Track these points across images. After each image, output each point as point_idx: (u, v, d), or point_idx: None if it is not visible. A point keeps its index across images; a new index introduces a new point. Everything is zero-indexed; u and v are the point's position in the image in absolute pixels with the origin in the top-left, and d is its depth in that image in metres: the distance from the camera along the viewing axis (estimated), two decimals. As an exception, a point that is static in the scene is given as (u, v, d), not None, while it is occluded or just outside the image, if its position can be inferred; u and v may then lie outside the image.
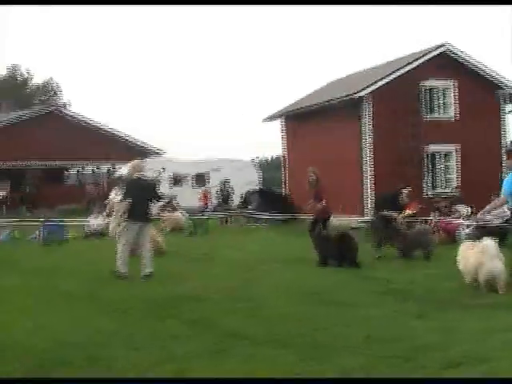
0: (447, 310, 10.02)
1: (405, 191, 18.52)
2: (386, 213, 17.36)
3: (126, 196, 14.61)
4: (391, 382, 7.17)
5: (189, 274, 14.12)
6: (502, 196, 12.24)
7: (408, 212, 20.66)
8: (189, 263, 16.21)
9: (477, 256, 11.66)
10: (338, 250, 15.34)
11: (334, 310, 10.07)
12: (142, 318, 9.74)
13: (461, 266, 12.13)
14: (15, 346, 8.18)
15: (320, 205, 16.46)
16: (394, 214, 17.48)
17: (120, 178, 18.91)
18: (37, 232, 24.34)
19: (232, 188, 33.12)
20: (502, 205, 12.84)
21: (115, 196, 17.95)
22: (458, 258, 12.32)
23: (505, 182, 12.20)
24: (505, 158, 13.63)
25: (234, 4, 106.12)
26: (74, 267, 16.05)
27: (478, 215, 13.90)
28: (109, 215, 18.87)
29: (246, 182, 36.71)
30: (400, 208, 17.80)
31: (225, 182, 32.82)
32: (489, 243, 11.60)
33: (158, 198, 15.46)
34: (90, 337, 8.57)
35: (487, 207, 12.97)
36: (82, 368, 7.27)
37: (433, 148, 27.04)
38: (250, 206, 31.06)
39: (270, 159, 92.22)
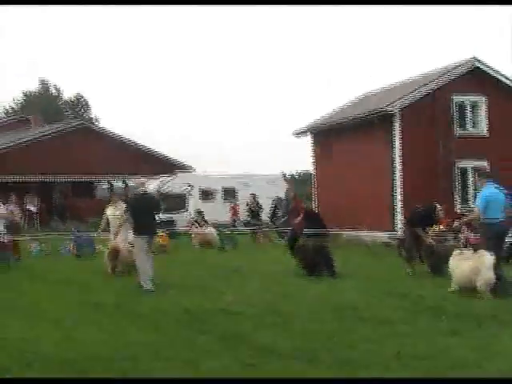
0: (482, 326, 9.91)
1: (440, 207, 18.49)
2: (417, 229, 17.28)
3: (132, 212, 15.13)
4: (391, 381, 7.13)
5: (220, 288, 14.11)
6: (476, 211, 13.90)
7: (440, 227, 20.62)
8: (219, 277, 16.20)
9: (473, 266, 13.15)
10: (317, 261, 16.52)
11: (366, 326, 10.01)
12: (173, 332, 9.76)
13: (455, 274, 13.55)
14: (46, 357, 8.23)
15: (297, 220, 17.74)
16: (425, 230, 17.50)
17: (114, 192, 19.25)
18: (67, 245, 24.55)
19: (259, 203, 33.04)
20: (476, 218, 14.20)
21: (114, 211, 17.99)
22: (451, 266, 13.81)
23: (477, 200, 13.97)
24: (476, 177, 15.11)
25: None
26: (105, 280, 16.15)
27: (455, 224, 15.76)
28: (104, 230, 18.93)
29: (275, 197, 36.71)
30: (434, 224, 17.74)
31: (254, 197, 32.76)
32: (486, 255, 13.05)
33: (159, 211, 16.27)
34: (120, 349, 8.59)
35: (464, 219, 15.27)
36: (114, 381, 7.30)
37: (463, 163, 26.83)
38: (278, 216, 31.00)
39: (298, 174, 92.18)
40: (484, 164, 26.52)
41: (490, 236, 13.84)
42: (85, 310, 11.90)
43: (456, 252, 14.29)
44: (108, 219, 18.14)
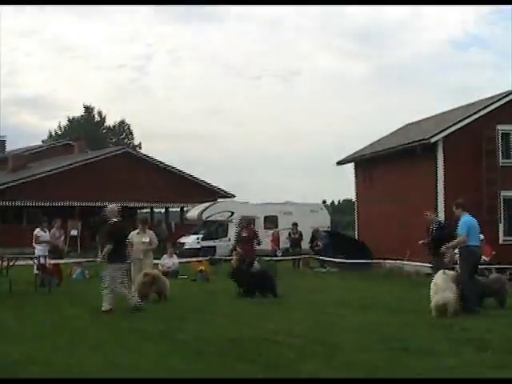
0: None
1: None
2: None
3: (111, 239, 15.21)
4: (391, 381, 7.02)
5: (263, 317, 14.03)
6: (461, 237, 15.19)
7: (484, 258, 20.40)
8: (261, 306, 16.15)
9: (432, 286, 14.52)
10: (260, 284, 18.17)
11: (409, 359, 9.85)
12: (216, 360, 9.68)
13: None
14: (87, 382, 8.21)
15: (248, 247, 19.44)
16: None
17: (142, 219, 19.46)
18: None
19: (300, 232, 32.93)
20: (463, 243, 15.18)
21: (140, 238, 18.03)
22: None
23: (460, 227, 15.35)
24: (454, 209, 15.78)
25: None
26: (148, 306, 16.17)
27: (443, 248, 15.98)
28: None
29: (316, 225, 36.65)
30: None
31: (295, 225, 32.73)
32: (438, 275, 14.53)
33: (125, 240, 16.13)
34: (163, 376, 8.55)
35: (452, 243, 15.74)
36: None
37: (508, 193, 26.55)
38: (318, 246, 30.92)
39: (337, 202, 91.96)
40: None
41: (472, 259, 15.39)
42: (127, 336, 11.90)
43: (440, 272, 14.88)
44: (133, 246, 17.97)
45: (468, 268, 15.26)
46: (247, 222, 20.46)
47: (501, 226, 26.41)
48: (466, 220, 15.51)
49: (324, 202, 56.06)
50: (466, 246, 15.26)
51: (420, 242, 17.15)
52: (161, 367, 9.10)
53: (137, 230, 18.21)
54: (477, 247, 15.64)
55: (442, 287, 14.31)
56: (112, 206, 15.83)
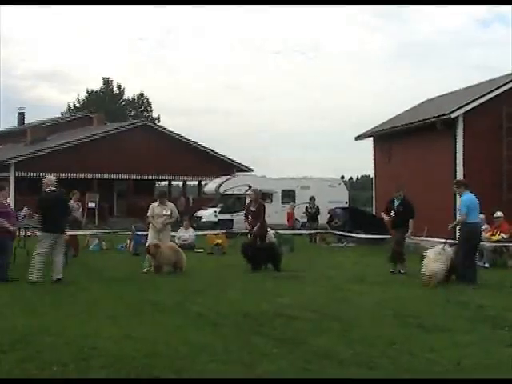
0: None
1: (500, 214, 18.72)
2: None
3: (39, 209, 15.62)
4: (391, 381, 6.99)
5: (278, 291, 14.01)
6: (462, 215, 16.21)
7: (502, 235, 20.33)
8: (277, 280, 16.15)
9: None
10: (265, 258, 18.40)
11: (425, 335, 9.83)
12: (231, 333, 9.69)
13: None
14: (103, 353, 8.23)
15: (260, 223, 19.11)
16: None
17: (162, 192, 19.49)
18: (126, 242, 24.82)
19: (318, 206, 32.86)
20: (463, 221, 16.21)
21: (161, 211, 17.98)
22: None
23: (461, 206, 16.42)
24: (455, 187, 16.47)
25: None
26: (163, 278, 16.24)
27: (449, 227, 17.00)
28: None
29: (334, 200, 36.57)
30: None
31: (313, 200, 32.68)
32: (431, 250, 15.77)
33: (68, 211, 16.43)
34: (178, 349, 8.55)
35: (453, 223, 17.07)
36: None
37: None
38: (335, 223, 30.94)
39: (355, 178, 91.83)
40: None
41: (472, 236, 16.34)
42: (142, 308, 11.93)
43: (436, 247, 16.05)
44: (153, 218, 18.01)
45: (467, 244, 16.17)
46: (258, 196, 20.11)
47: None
48: (466, 198, 16.33)
49: (342, 177, 56.12)
50: (466, 222, 16.14)
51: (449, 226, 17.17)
52: (176, 339, 9.09)
53: (157, 203, 18.22)
54: (477, 223, 16.70)
55: (431, 259, 15.36)
56: (49, 177, 15.91)
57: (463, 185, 17.12)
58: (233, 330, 10.00)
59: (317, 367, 7.83)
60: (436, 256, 15.35)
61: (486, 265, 20.25)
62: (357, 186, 77.95)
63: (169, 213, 18.00)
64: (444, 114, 25.79)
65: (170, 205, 18.41)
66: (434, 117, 26.77)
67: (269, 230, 20.97)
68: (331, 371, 7.67)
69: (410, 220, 18.12)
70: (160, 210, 17.95)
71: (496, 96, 25.99)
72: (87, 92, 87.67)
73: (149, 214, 18.06)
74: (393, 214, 18.15)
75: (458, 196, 17.33)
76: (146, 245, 17.85)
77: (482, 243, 19.91)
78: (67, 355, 8.09)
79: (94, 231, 26.55)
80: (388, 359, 8.24)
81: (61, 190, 16.09)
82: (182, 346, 8.70)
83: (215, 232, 27.00)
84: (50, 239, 15.20)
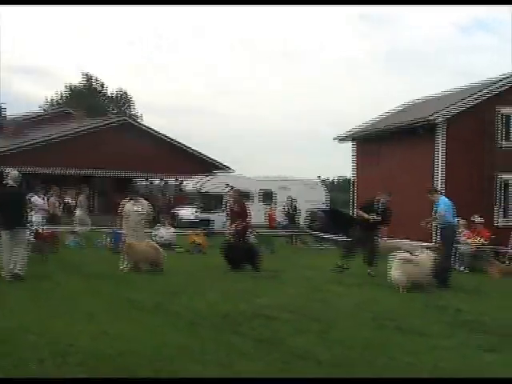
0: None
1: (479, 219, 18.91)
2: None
3: None
4: (391, 381, 7.02)
5: (257, 292, 14.00)
6: (441, 214, 16.35)
7: (481, 240, 20.48)
8: (256, 280, 16.12)
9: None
10: (244, 258, 18.25)
11: (403, 338, 9.88)
12: (209, 334, 9.66)
13: None
14: (80, 350, 8.18)
15: (240, 224, 18.84)
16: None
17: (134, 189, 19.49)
18: (103, 238, 24.69)
19: (297, 207, 32.84)
20: (441, 219, 16.47)
21: (132, 207, 17.91)
22: None
23: (440, 207, 16.51)
24: (429, 195, 16.97)
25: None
26: (142, 276, 16.18)
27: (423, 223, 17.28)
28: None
29: (313, 202, 36.57)
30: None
31: (291, 201, 32.65)
32: (398, 254, 15.42)
33: (26, 207, 16.16)
34: (155, 348, 8.52)
35: (430, 222, 17.65)
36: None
37: (506, 176, 26.49)
38: (316, 225, 30.98)
39: (333, 180, 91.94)
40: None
41: (453, 237, 17.29)
42: (119, 305, 11.88)
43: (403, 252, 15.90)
44: (127, 215, 17.94)
45: (449, 245, 16.94)
46: (236, 195, 20.11)
47: (498, 209, 26.37)
48: (446, 201, 16.70)
49: (319, 177, 56.22)
50: (448, 224, 16.54)
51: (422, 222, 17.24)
52: (153, 339, 9.05)
53: (129, 200, 18.13)
54: (455, 225, 17.55)
55: (393, 265, 15.24)
56: (13, 172, 15.73)
57: (435, 191, 17.65)
58: (211, 330, 9.97)
59: (295, 368, 7.85)
60: (396, 263, 15.16)
61: (465, 269, 20.38)
62: (334, 188, 78.00)
63: (141, 209, 17.93)
64: (425, 119, 25.95)
65: (143, 202, 18.34)
66: (415, 120, 26.93)
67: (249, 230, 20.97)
68: (310, 372, 7.67)
69: (385, 226, 18.27)
70: (132, 207, 17.87)
71: (476, 101, 26.20)
72: (68, 88, 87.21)
73: (121, 211, 17.99)
74: (375, 216, 18.15)
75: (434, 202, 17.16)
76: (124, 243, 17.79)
77: (460, 248, 20.14)
78: (43, 352, 8.03)
79: (73, 227, 26.33)
80: (366, 361, 8.27)
81: (22, 187, 15.87)
82: (160, 346, 8.65)
83: (195, 231, 26.89)
84: (5, 236, 14.95)
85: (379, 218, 18.04)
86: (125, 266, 17.25)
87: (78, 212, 24.81)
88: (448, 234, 16.66)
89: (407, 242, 21.32)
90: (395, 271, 15.07)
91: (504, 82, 26.88)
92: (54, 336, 8.89)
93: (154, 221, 20.15)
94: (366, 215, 18.20)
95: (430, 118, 25.71)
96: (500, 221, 26.29)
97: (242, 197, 20.73)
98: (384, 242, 18.64)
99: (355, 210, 20.87)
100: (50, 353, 7.99)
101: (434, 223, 17.38)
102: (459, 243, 20.68)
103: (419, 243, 18.69)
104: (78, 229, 24.78)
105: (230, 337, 9.47)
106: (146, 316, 10.93)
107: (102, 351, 8.17)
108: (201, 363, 7.92)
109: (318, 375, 7.56)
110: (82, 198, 24.63)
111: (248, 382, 7.21)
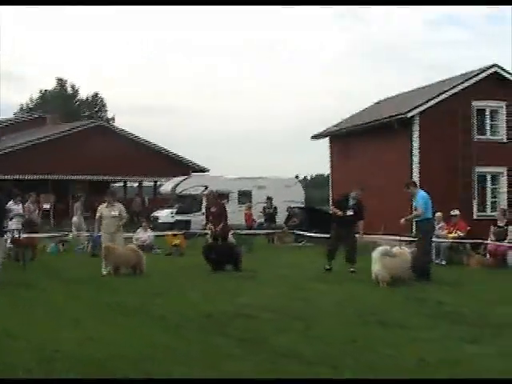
0: (502, 335, 9.81)
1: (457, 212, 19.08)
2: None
3: None
4: (391, 382, 7.07)
5: (239, 292, 14.04)
6: (419, 210, 16.40)
7: (459, 233, 20.62)
8: (237, 280, 16.16)
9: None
10: (225, 258, 18.32)
11: (386, 332, 9.94)
12: (193, 334, 9.68)
13: None
14: (67, 356, 8.14)
15: (220, 224, 18.94)
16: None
17: (110, 193, 19.45)
18: (83, 243, 24.61)
19: (275, 206, 32.85)
20: (420, 216, 16.46)
21: (110, 212, 17.89)
22: None
23: (418, 202, 16.54)
24: (405, 189, 17.08)
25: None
26: (122, 279, 16.16)
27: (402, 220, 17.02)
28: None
29: (290, 200, 36.61)
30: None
31: (270, 200, 32.67)
32: (376, 249, 15.52)
33: (4, 214, 16.24)
34: (141, 351, 8.50)
35: (408, 217, 17.19)
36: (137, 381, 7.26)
37: (482, 169, 26.71)
38: (294, 222, 31.04)
39: (310, 177, 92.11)
40: (502, 170, 26.50)
41: (431, 231, 17.40)
42: (103, 310, 11.86)
43: (384, 247, 15.91)
44: (103, 219, 17.92)
45: (425, 240, 16.81)
46: (215, 197, 20.16)
47: (475, 202, 26.58)
48: (424, 195, 16.73)
49: (296, 176, 56.27)
50: (426, 219, 16.57)
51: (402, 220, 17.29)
52: (138, 342, 9.05)
53: (105, 204, 18.10)
54: (432, 220, 17.81)
55: (374, 260, 15.34)
56: None
57: (413, 184, 17.70)
58: (195, 331, 9.98)
59: (281, 366, 7.85)
60: (376, 257, 15.31)
61: (443, 262, 20.52)
62: (311, 185, 78.14)
63: (117, 213, 17.91)
64: (400, 114, 26.09)
65: (118, 205, 18.32)
66: (390, 116, 27.07)
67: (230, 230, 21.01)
68: (295, 370, 7.69)
69: (361, 221, 18.34)
70: (108, 212, 17.84)
71: (451, 96, 26.40)
72: (41, 92, 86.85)
73: (97, 215, 17.97)
74: (350, 212, 18.20)
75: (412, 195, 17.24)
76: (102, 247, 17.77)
77: (439, 241, 20.28)
78: (31, 359, 8.00)
79: (52, 233, 26.23)
80: (350, 357, 8.29)
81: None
82: (145, 348, 8.65)
83: (174, 233, 26.86)
84: None
85: (351, 213, 18.12)
86: (107, 270, 17.23)
87: (74, 218, 24.76)
88: (426, 229, 16.72)
89: (386, 237, 21.39)
90: (376, 265, 15.17)
91: (479, 75, 27.08)
92: (39, 342, 8.87)
93: (130, 224, 20.08)
94: (338, 211, 18.28)
95: (405, 112, 25.85)
96: (477, 213, 26.49)
97: (220, 197, 20.73)
98: (362, 237, 18.57)
99: (330, 206, 20.92)
100: (37, 359, 7.97)
101: (411, 217, 17.02)
102: (437, 237, 20.84)
103: (397, 238, 18.70)
104: (72, 234, 24.70)
105: (214, 337, 9.48)
106: (129, 319, 10.92)
107: (88, 356, 8.14)
108: (187, 365, 7.91)
109: (304, 373, 7.57)
110: (78, 204, 24.60)
111: (246, 382, 7.20)
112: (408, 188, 17.10)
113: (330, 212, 29.98)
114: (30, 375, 7.36)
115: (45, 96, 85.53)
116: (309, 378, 7.29)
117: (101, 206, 18.15)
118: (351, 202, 18.31)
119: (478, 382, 7.25)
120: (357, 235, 18.30)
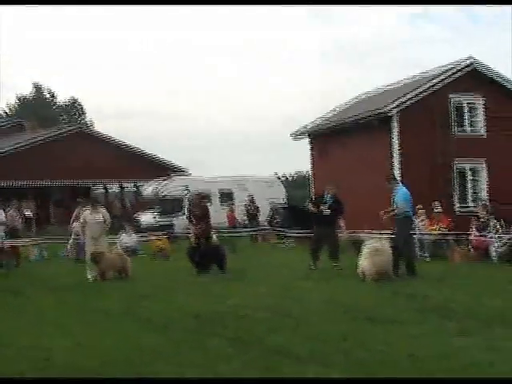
0: (491, 327, 9.87)
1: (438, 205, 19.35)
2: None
3: None
4: (391, 381, 7.12)
5: (227, 292, 14.06)
6: (401, 205, 16.34)
7: (442, 228, 20.77)
8: (224, 281, 16.22)
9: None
10: (210, 259, 18.32)
11: (376, 328, 9.98)
12: (183, 336, 9.70)
13: None
14: (58, 364, 8.16)
15: (203, 225, 18.88)
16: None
17: (94, 197, 19.45)
18: (67, 249, 24.55)
19: (257, 205, 32.88)
20: (399, 211, 16.41)
21: (94, 216, 17.87)
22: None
23: (400, 197, 16.54)
24: (387, 183, 17.15)
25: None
26: (108, 284, 16.16)
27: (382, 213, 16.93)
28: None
29: (272, 199, 36.66)
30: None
31: (252, 199, 32.73)
32: (365, 246, 15.84)
33: None
34: (132, 355, 8.51)
35: (390, 213, 16.73)
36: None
37: (461, 164, 26.87)
38: (277, 221, 31.16)
39: (290, 176, 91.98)
40: (482, 164, 26.70)
41: (409, 226, 17.47)
42: (91, 315, 11.86)
43: (369, 241, 16.27)
44: (86, 224, 17.90)
45: (406, 235, 16.84)
46: (199, 199, 20.23)
47: (455, 197, 26.73)
48: (404, 191, 16.84)
49: (276, 175, 56.32)
50: (404, 214, 16.52)
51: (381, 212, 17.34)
52: (128, 346, 9.06)
53: (89, 209, 18.08)
54: (412, 215, 17.62)
55: (363, 256, 15.59)
56: None
57: (394, 178, 17.76)
58: (184, 332, 10.00)
59: (274, 365, 7.87)
60: (366, 253, 15.54)
61: (427, 257, 20.67)
62: (292, 184, 78.13)
63: (101, 218, 17.90)
64: (379, 110, 26.19)
65: (102, 210, 18.30)
66: (370, 113, 27.16)
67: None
68: (289, 369, 7.73)
69: (340, 218, 18.51)
70: (92, 217, 17.82)
71: (429, 91, 26.51)
72: (18, 98, 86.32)
73: (81, 221, 17.95)
74: (326, 210, 18.34)
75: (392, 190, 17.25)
76: (86, 252, 17.77)
77: (422, 236, 20.43)
78: (21, 366, 7.99)
79: (35, 240, 26.12)
80: (342, 354, 8.33)
81: None
82: (136, 352, 8.66)
83: (158, 236, 26.85)
84: None
85: (328, 211, 18.24)
86: (92, 275, 17.22)
87: (74, 224, 24.67)
88: (406, 224, 16.83)
89: (368, 233, 21.48)
90: (365, 261, 15.34)
91: (456, 70, 27.23)
92: (29, 351, 8.85)
93: (113, 228, 20.06)
94: (313, 208, 18.48)
95: (384, 109, 25.96)
96: (458, 208, 26.65)
97: (203, 199, 20.74)
98: (344, 234, 18.75)
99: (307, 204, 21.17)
100: (29, 368, 7.94)
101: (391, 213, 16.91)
102: (420, 232, 21.04)
103: (378, 234, 18.80)
104: (71, 241, 24.60)
105: (205, 338, 9.49)
106: (117, 323, 10.93)
107: (79, 364, 8.13)
108: (179, 366, 7.93)
109: (299, 372, 7.61)
110: (77, 210, 24.50)
111: (246, 382, 7.21)
112: (389, 182, 17.17)
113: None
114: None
115: (22, 102, 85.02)
116: (309, 378, 7.31)
117: (84, 211, 18.12)
118: (327, 200, 18.45)
119: (478, 381, 7.27)
120: (338, 232, 18.42)
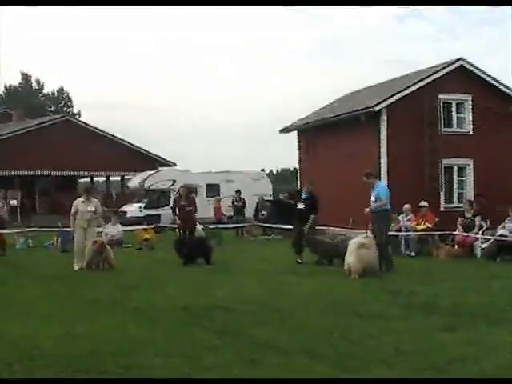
0: (475, 323, 9.96)
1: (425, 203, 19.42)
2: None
3: None
4: (391, 381, 7.19)
5: (213, 285, 14.11)
6: (384, 200, 16.51)
7: (427, 225, 20.88)
8: (211, 274, 16.27)
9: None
10: (196, 252, 18.54)
11: (362, 322, 10.05)
12: (172, 327, 9.73)
13: None
14: (46, 353, 8.16)
15: (187, 216, 19.72)
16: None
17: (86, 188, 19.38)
18: (53, 239, 24.50)
19: (243, 200, 32.91)
20: (384, 205, 16.54)
21: (86, 207, 17.81)
22: None
23: (382, 192, 16.68)
24: (365, 179, 17.19)
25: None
26: (94, 275, 16.16)
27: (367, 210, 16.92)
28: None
29: (259, 194, 36.70)
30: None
31: (239, 193, 32.75)
32: (351, 241, 15.92)
33: None
34: (120, 345, 8.54)
35: (372, 208, 16.77)
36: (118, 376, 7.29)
37: (449, 162, 26.98)
38: (263, 214, 31.28)
39: (277, 171, 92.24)
40: (469, 162, 26.83)
41: (389, 222, 17.85)
42: (79, 305, 11.85)
43: (356, 238, 16.33)
44: (78, 214, 17.81)
45: (387, 230, 17.17)
46: (186, 191, 20.36)
47: (442, 194, 26.84)
48: (384, 186, 17.40)
49: (262, 170, 56.41)
50: (386, 209, 16.72)
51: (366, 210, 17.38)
52: (117, 336, 9.07)
53: (81, 199, 18.00)
54: (390, 212, 17.54)
55: (350, 251, 15.66)
56: None
57: (373, 174, 17.77)
58: (173, 323, 10.04)
59: (261, 357, 7.92)
60: (352, 249, 15.60)
61: (412, 253, 20.79)
62: (278, 179, 78.25)
63: (93, 209, 17.84)
64: (368, 107, 26.25)
65: (95, 201, 18.24)
66: (357, 110, 27.22)
67: (197, 224, 21.15)
68: (276, 361, 7.78)
69: (312, 215, 18.66)
70: (84, 207, 17.74)
71: (417, 89, 26.62)
72: (5, 87, 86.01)
73: (73, 211, 17.82)
74: (301, 205, 18.58)
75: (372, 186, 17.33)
76: (75, 242, 17.74)
77: (408, 233, 20.55)
78: (10, 356, 7.98)
79: (21, 229, 26.06)
80: (329, 347, 8.40)
81: None
82: (124, 342, 8.68)
83: (144, 227, 26.84)
84: None
85: (302, 206, 18.39)
86: (78, 265, 17.21)
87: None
88: (386, 220, 17.01)
89: (352, 230, 21.59)
90: (351, 257, 15.41)
91: (445, 69, 27.32)
92: (17, 340, 8.84)
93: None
94: (287, 201, 18.85)
95: (373, 106, 26.02)
96: (444, 205, 26.77)
97: (191, 192, 20.89)
98: (327, 230, 18.97)
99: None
100: (17, 357, 7.93)
101: (371, 209, 16.92)
102: (406, 229, 21.20)
103: (360, 230, 18.89)
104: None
105: (193, 329, 9.55)
106: (105, 313, 10.92)
107: (68, 352, 8.14)
108: (168, 356, 7.97)
109: (286, 364, 7.66)
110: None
111: (246, 382, 7.24)
112: (368, 178, 17.24)
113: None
114: (12, 372, 7.37)
115: (10, 91, 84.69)
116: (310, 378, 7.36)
117: (76, 201, 18.04)
118: (303, 196, 18.67)
119: (478, 381, 7.32)
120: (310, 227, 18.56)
